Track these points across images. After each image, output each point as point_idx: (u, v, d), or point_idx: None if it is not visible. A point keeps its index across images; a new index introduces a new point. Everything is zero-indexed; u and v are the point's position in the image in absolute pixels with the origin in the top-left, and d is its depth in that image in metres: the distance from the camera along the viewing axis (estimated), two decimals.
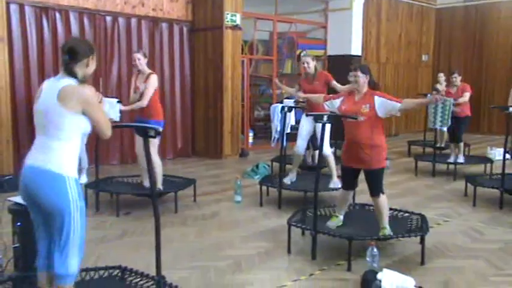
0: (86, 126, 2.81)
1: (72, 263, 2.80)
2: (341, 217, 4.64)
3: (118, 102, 5.80)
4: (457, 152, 8.38)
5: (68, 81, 2.79)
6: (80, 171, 7.42)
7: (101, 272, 3.62)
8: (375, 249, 3.89)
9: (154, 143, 5.88)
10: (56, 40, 8.08)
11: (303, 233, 4.94)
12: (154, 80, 6.02)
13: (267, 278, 3.99)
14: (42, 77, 7.93)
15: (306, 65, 6.33)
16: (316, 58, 12.49)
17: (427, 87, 14.74)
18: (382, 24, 13.67)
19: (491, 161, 8.33)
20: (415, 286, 3.54)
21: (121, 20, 8.93)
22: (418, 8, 14.88)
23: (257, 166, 8.08)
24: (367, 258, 3.92)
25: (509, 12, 14.26)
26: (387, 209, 4.56)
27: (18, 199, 3.81)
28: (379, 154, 4.45)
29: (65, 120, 2.73)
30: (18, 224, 3.69)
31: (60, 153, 2.75)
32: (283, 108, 6.09)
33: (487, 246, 4.70)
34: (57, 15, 8.12)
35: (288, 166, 7.75)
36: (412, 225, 4.67)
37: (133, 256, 4.36)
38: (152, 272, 3.51)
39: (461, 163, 8.28)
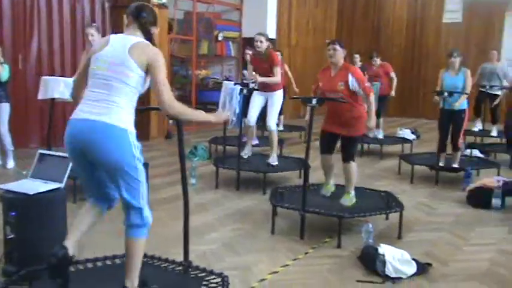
0: (143, 86, 2.78)
1: (146, 213, 2.79)
2: (331, 182, 4.83)
3: (74, 81, 5.45)
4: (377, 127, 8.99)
5: (139, 39, 2.77)
6: (4, 153, 6.90)
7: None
8: (370, 226, 4.14)
9: None
10: None
11: (275, 213, 5.06)
12: None
13: (266, 258, 4.06)
14: None
15: (259, 43, 6.34)
16: (232, 39, 12.72)
17: None
18: (293, 8, 14.03)
19: (409, 140, 9.06)
20: (412, 259, 3.83)
21: None
22: None
23: (195, 148, 8.02)
24: (362, 235, 4.15)
25: (404, 0, 15.41)
26: (356, 176, 4.89)
27: (10, 186, 3.53)
28: (359, 123, 4.75)
29: (130, 74, 2.67)
30: (13, 213, 3.38)
31: (123, 108, 2.69)
32: (241, 90, 6.10)
33: (443, 220, 5.18)
34: None
35: (228, 148, 7.86)
36: (382, 201, 4.99)
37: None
38: None
39: (380, 138, 8.90)
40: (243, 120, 6.58)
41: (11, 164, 6.87)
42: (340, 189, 5.10)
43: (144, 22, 2.83)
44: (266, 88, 6.43)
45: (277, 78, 6.35)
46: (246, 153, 6.66)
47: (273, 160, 6.46)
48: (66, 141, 2.76)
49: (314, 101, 4.38)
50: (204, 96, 11.94)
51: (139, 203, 2.79)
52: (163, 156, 8.19)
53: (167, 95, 2.72)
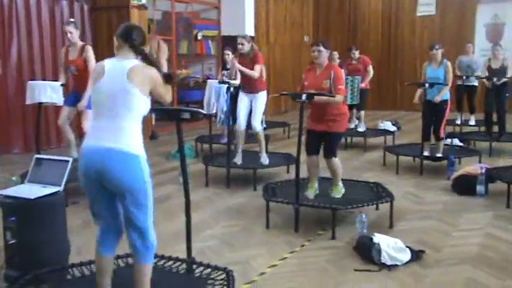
0: (147, 108, 2.81)
1: (153, 238, 2.83)
2: (316, 185, 4.93)
3: (61, 85, 5.47)
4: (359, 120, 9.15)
5: (134, 62, 2.79)
6: None
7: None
8: (364, 216, 4.24)
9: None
10: None
11: (267, 208, 5.13)
12: (91, 51, 5.89)
13: (264, 252, 4.14)
14: None
15: (240, 46, 6.38)
16: (211, 38, 12.75)
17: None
18: (270, 5, 14.11)
19: (391, 132, 9.22)
20: (406, 246, 3.95)
21: None
22: None
23: None
24: (357, 225, 4.26)
25: None
26: (341, 169, 4.99)
27: (9, 191, 3.54)
28: (343, 119, 4.86)
29: (134, 99, 2.71)
30: (12, 218, 3.39)
31: (132, 134, 2.72)
32: (228, 89, 6.17)
33: (431, 208, 5.32)
34: None
35: (215, 146, 7.93)
36: (373, 192, 5.11)
37: None
38: None
39: (362, 131, 9.06)
40: (231, 123, 6.62)
41: None
42: (327, 183, 5.22)
43: (136, 44, 2.84)
44: (251, 89, 6.44)
45: (256, 73, 6.33)
46: (238, 158, 6.57)
47: (265, 159, 6.53)
48: (81, 168, 2.76)
49: (304, 97, 4.46)
50: (186, 95, 11.95)
51: (145, 226, 2.80)
52: (150, 157, 8.04)
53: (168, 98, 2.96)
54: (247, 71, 6.27)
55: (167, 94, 2.92)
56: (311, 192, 4.94)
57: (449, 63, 6.87)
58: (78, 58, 5.81)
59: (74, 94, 5.93)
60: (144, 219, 2.78)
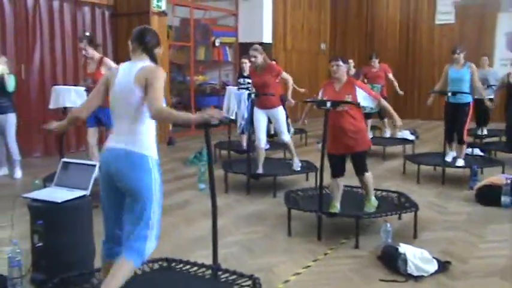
0: None
1: (148, 245, 2.75)
2: (338, 205, 4.81)
3: (85, 90, 5.49)
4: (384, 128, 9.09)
5: (144, 63, 2.81)
6: (11, 163, 6.89)
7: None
8: (389, 226, 4.19)
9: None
10: None
11: (289, 216, 5.09)
12: (109, 63, 5.83)
13: (287, 260, 4.11)
14: None
15: (253, 59, 6.37)
16: (229, 45, 12.79)
17: (326, 74, 15.55)
18: (288, 12, 14.12)
19: (411, 141, 9.15)
20: (433, 257, 3.89)
21: (43, 2, 8.33)
22: None
23: (200, 153, 8.03)
24: (382, 234, 4.21)
25: (396, 3, 15.54)
26: (372, 184, 4.92)
27: (37, 195, 3.55)
28: (363, 137, 4.81)
29: (135, 98, 2.74)
30: (40, 222, 3.40)
31: (143, 135, 2.77)
32: (249, 95, 6.16)
33: (456, 218, 5.24)
34: None
35: (232, 153, 7.94)
36: (396, 201, 5.05)
37: None
38: None
39: (388, 137, 8.99)
40: (250, 129, 6.62)
41: (18, 174, 6.86)
42: (351, 192, 5.22)
43: (150, 46, 2.86)
44: (266, 104, 6.42)
45: (290, 81, 6.55)
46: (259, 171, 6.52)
47: (297, 166, 6.60)
48: (99, 169, 2.89)
49: (328, 104, 4.43)
50: (202, 101, 11.97)
51: (147, 232, 2.74)
52: (168, 162, 8.20)
53: (158, 104, 2.68)
54: (291, 91, 6.68)
55: (158, 95, 2.68)
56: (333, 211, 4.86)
57: (473, 65, 6.90)
58: (97, 71, 5.65)
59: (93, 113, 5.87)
60: (145, 223, 2.73)
